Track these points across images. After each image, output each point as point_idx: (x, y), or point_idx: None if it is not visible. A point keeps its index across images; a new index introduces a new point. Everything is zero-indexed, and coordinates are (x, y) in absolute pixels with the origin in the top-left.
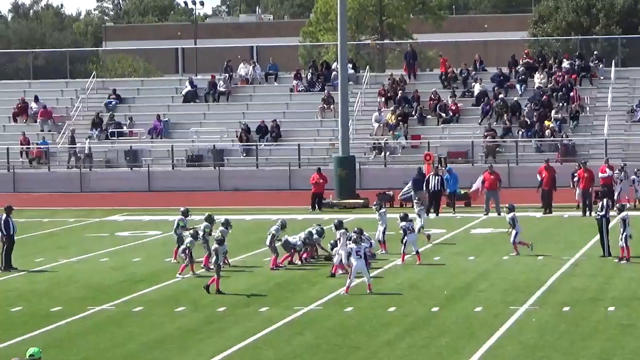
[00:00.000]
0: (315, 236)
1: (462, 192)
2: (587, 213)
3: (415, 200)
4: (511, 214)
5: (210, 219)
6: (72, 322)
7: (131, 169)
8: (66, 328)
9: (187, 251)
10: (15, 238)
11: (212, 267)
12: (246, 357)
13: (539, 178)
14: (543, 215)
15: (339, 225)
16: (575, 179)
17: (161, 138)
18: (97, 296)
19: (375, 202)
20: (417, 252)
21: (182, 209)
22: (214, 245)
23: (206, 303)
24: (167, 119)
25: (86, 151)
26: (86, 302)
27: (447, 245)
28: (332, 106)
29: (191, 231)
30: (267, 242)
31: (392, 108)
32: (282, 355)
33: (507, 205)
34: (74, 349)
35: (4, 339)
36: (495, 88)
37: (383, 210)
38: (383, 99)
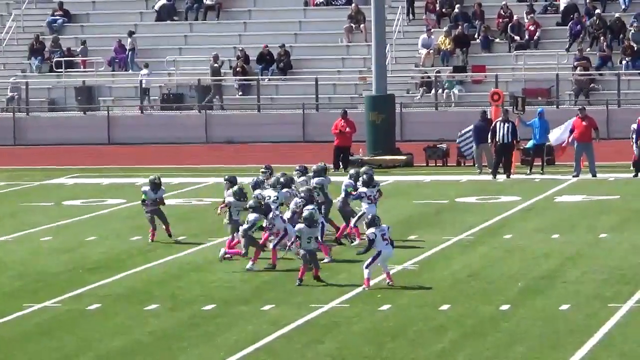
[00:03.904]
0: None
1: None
2: None
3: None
4: None
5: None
6: (3, 326)
7: (84, 113)
8: None
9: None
10: None
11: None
12: None
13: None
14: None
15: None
16: None
17: (126, 70)
18: (38, 289)
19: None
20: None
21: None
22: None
23: (189, 299)
24: (133, 44)
25: (21, 88)
26: (23, 298)
27: (521, 219)
28: (362, 26)
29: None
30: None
31: (445, 28)
32: None
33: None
34: None
35: None
36: (589, 1)
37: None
38: (433, 15)
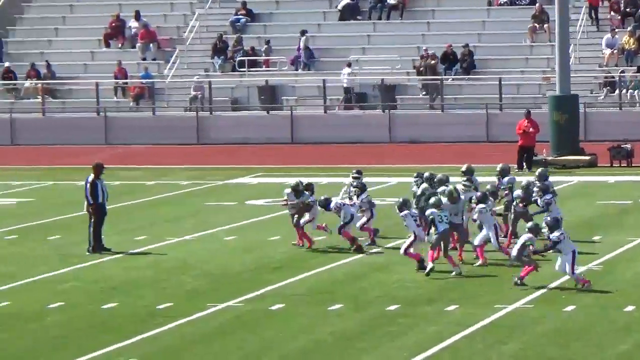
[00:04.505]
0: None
1: None
2: None
3: None
4: None
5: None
6: (187, 325)
7: (267, 113)
8: (178, 333)
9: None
10: (107, 208)
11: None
12: None
13: None
14: None
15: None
16: None
17: (309, 70)
18: (220, 288)
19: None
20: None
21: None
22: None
23: (371, 299)
24: (306, 43)
25: (205, 88)
26: (206, 297)
27: None
28: (545, 26)
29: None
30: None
31: (629, 28)
32: None
33: None
34: None
35: (93, 347)
36: None
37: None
38: (618, 15)
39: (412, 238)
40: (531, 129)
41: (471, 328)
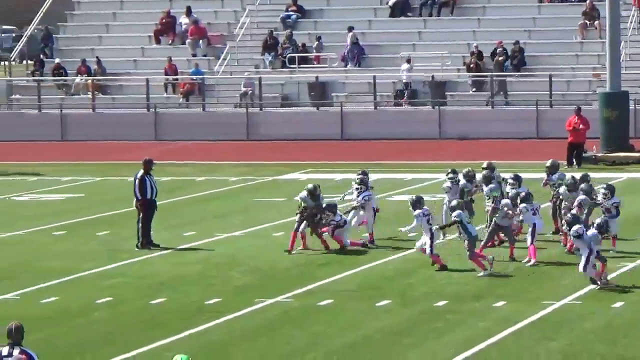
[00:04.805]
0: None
1: None
2: None
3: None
4: None
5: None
6: (234, 320)
7: (317, 109)
8: (226, 328)
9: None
10: (157, 203)
11: None
12: None
13: None
14: None
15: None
16: None
17: (359, 66)
18: (268, 284)
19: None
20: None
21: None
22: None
23: (419, 295)
24: (354, 39)
25: (255, 84)
26: (254, 293)
27: None
28: (596, 22)
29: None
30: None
31: None
32: None
33: None
34: (236, 357)
35: (141, 341)
36: None
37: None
38: None
39: (429, 238)
40: (581, 126)
41: (519, 324)
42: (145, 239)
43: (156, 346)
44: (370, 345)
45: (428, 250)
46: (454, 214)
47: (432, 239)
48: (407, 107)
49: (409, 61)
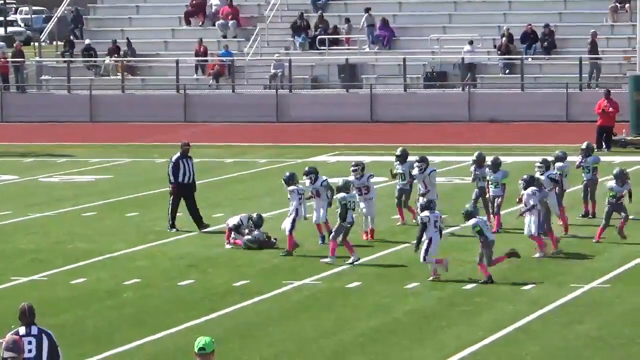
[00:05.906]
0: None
1: None
2: None
3: None
4: None
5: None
6: (262, 302)
7: (347, 91)
8: (253, 310)
9: None
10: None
11: None
12: (503, 354)
13: None
14: None
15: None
16: None
17: (389, 48)
18: (297, 266)
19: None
20: None
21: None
22: None
23: (447, 278)
24: (370, 21)
25: (285, 66)
26: (282, 275)
27: None
28: (627, 5)
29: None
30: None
31: None
32: (552, 351)
33: None
34: (264, 339)
35: (168, 323)
36: None
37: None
38: None
39: (427, 242)
40: (611, 109)
41: (547, 307)
42: (172, 221)
43: (184, 328)
44: (398, 328)
45: (422, 259)
46: (471, 222)
47: (429, 244)
48: (437, 90)
49: (471, 43)
